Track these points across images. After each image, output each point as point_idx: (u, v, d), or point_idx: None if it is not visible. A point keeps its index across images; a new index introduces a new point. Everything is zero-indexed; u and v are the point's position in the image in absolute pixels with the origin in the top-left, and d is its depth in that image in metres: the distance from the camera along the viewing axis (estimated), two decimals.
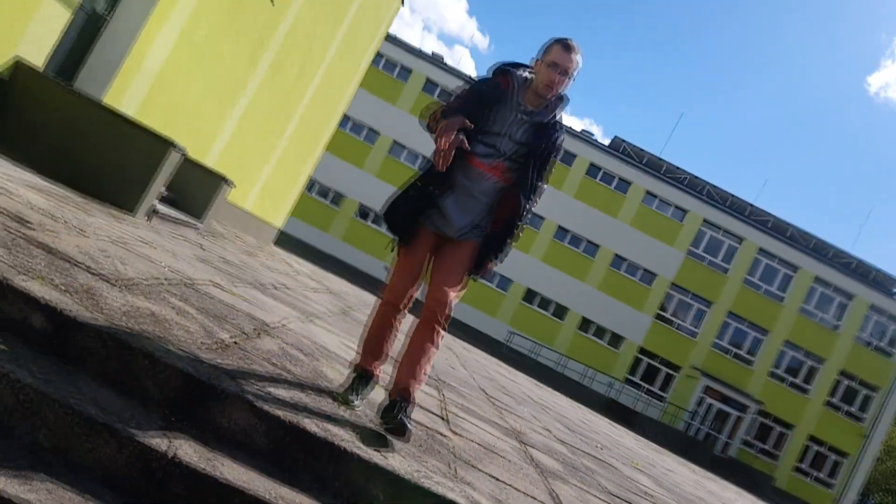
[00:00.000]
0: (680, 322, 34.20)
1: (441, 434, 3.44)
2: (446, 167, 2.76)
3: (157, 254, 4.45)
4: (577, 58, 2.87)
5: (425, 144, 34.30)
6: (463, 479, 2.80)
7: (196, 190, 8.01)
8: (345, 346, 4.66)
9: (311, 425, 2.42)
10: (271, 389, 2.59)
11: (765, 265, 34.55)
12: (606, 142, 38.96)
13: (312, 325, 4.90)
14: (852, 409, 33.73)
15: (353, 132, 33.90)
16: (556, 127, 2.98)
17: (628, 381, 33.25)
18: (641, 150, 36.39)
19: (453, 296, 2.89)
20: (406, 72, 35.21)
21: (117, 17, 7.33)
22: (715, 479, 14.86)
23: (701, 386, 33.24)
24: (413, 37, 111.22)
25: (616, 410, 28.96)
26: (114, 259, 3.50)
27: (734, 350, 34.08)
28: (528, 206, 2.95)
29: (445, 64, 36.00)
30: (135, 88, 7.83)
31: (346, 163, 33.58)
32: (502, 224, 2.98)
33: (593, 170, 34.69)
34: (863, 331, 34.26)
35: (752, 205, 35.78)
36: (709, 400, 33.33)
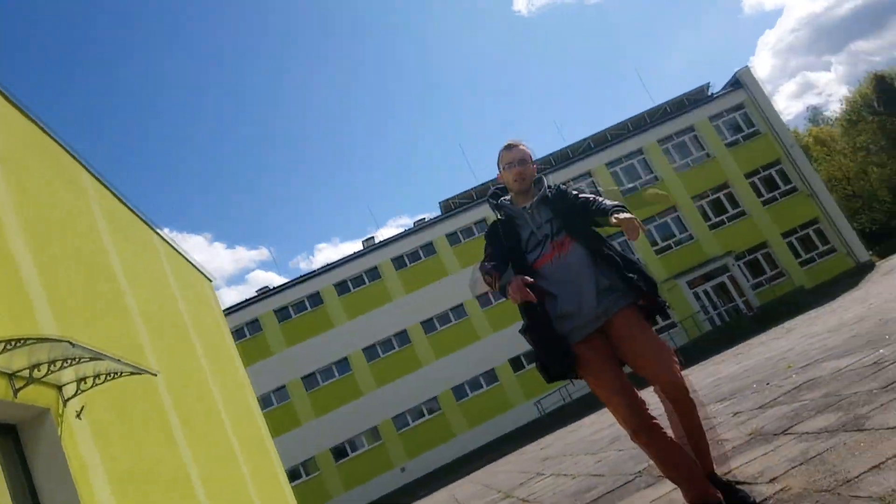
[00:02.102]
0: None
1: None
2: (530, 292, 2.76)
3: None
4: (522, 147, 3.14)
5: (315, 361, 33.30)
6: None
7: None
8: None
9: None
10: None
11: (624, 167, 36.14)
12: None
13: None
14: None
15: (268, 406, 32.01)
16: (557, 189, 3.14)
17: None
18: None
19: (676, 366, 2.67)
20: (254, 323, 34.24)
21: None
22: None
23: (683, 287, 33.24)
24: (222, 299, 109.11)
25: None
26: None
27: (669, 242, 34.81)
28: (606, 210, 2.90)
29: (272, 288, 35.53)
30: None
31: (288, 432, 31.59)
32: (615, 263, 2.90)
33: None
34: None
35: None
36: (699, 290, 33.37)
